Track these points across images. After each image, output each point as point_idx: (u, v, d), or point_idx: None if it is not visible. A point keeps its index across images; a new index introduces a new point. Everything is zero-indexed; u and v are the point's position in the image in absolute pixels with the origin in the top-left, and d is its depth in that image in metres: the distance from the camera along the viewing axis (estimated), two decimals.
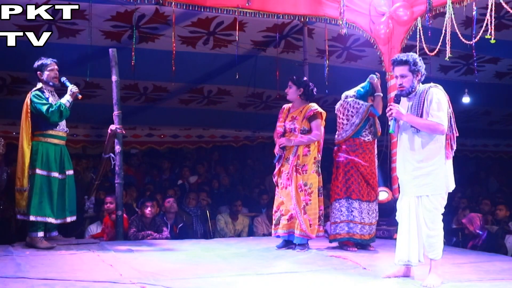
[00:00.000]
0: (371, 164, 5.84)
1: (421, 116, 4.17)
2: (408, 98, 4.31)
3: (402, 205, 4.34)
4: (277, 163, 5.75)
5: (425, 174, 4.16)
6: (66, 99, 5.55)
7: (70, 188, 5.67)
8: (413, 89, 4.26)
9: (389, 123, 4.33)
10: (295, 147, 5.63)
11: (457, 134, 4.26)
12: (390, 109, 4.22)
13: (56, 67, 5.63)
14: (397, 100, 4.30)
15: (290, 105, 5.85)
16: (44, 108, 5.40)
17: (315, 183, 5.64)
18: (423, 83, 4.31)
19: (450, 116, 4.22)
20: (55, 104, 5.46)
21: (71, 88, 5.61)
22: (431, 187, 4.16)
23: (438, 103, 4.13)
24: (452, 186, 4.25)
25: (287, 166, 5.65)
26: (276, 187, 5.81)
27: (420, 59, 4.29)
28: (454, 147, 4.25)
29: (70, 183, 5.69)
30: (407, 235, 4.26)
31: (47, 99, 5.51)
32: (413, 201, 4.24)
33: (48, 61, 5.61)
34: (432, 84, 4.27)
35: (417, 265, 4.32)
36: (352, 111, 5.81)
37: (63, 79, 5.68)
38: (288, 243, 5.70)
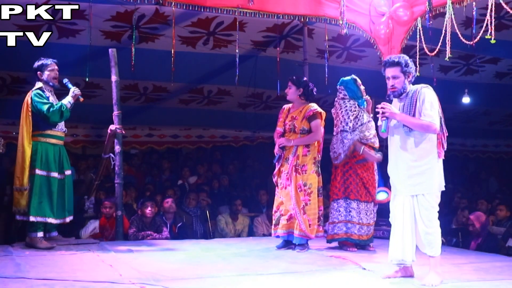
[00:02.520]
0: (370, 168, 5.81)
1: (414, 116, 4.21)
2: (399, 99, 4.36)
3: (395, 205, 4.35)
4: (277, 163, 5.75)
5: (420, 173, 4.19)
6: (68, 100, 5.54)
7: (68, 188, 5.67)
8: (404, 90, 4.30)
9: (380, 122, 4.33)
10: (295, 147, 5.63)
11: (447, 134, 4.32)
12: (382, 108, 4.23)
13: (56, 67, 5.62)
14: (389, 100, 4.32)
15: (290, 105, 5.85)
16: (45, 107, 5.40)
17: (315, 183, 5.63)
18: (419, 83, 4.34)
19: (440, 116, 4.26)
20: (56, 104, 5.46)
21: (73, 90, 5.60)
22: (426, 186, 4.19)
23: (431, 102, 4.19)
24: (443, 184, 4.29)
25: (286, 166, 5.65)
26: (276, 187, 5.80)
27: (411, 60, 4.35)
28: (445, 146, 4.29)
29: (69, 183, 5.69)
30: (400, 234, 4.27)
31: (47, 98, 5.51)
32: (407, 200, 4.24)
33: (49, 61, 5.59)
34: (423, 84, 4.32)
35: (411, 264, 4.32)
36: (341, 122, 5.77)
37: (65, 80, 5.67)
38: (288, 243, 5.70)
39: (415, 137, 4.21)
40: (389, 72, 4.30)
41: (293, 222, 5.59)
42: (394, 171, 4.36)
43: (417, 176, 4.18)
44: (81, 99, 5.64)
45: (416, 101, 4.21)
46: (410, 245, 4.23)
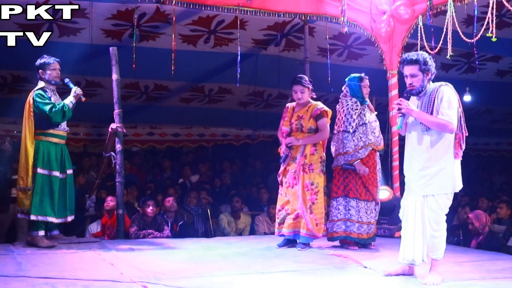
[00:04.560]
0: (370, 167, 5.75)
1: (431, 114, 4.13)
2: (418, 96, 4.27)
3: (407, 203, 4.31)
4: (282, 163, 5.69)
5: (433, 173, 4.12)
6: (70, 100, 5.52)
7: (70, 187, 5.67)
8: (423, 88, 4.21)
9: (397, 120, 4.29)
10: (302, 146, 5.60)
11: (467, 134, 4.23)
12: (399, 104, 4.18)
13: (58, 66, 5.59)
14: (406, 97, 4.26)
15: (294, 104, 5.80)
16: (47, 108, 5.38)
17: (321, 183, 5.63)
18: (432, 81, 4.29)
19: (460, 116, 4.18)
20: (58, 104, 5.45)
21: (75, 90, 5.58)
22: (437, 187, 4.13)
23: (449, 101, 4.09)
24: (459, 186, 4.21)
25: (293, 165, 5.60)
26: (280, 186, 5.76)
27: (430, 58, 4.22)
28: (463, 147, 4.20)
29: (70, 182, 5.69)
30: (412, 234, 4.23)
31: (49, 98, 5.49)
32: (419, 200, 4.20)
33: (51, 60, 5.56)
34: (442, 82, 4.22)
35: (420, 265, 4.31)
36: (344, 122, 5.73)
37: (67, 80, 5.65)
38: (289, 242, 5.68)
39: (432, 135, 4.13)
40: (407, 70, 4.21)
41: (300, 221, 5.57)
42: (408, 170, 4.31)
43: (429, 177, 4.12)
44: (83, 98, 5.63)
45: (434, 99, 4.12)
46: (420, 246, 4.21)
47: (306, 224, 5.53)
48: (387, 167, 6.97)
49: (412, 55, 4.23)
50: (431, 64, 4.21)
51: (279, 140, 5.80)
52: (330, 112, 5.71)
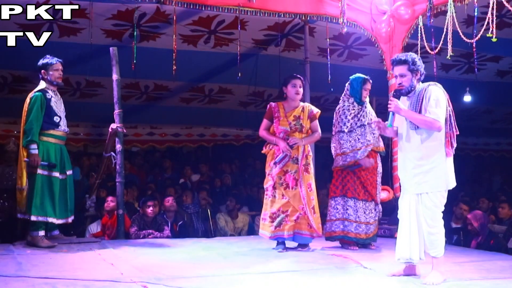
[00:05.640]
0: (371, 169, 5.77)
1: (420, 113, 4.19)
2: (407, 97, 4.34)
3: (403, 203, 4.35)
4: (278, 163, 5.53)
5: (425, 171, 4.17)
6: (32, 149, 5.34)
7: (70, 188, 5.66)
8: (412, 88, 4.28)
9: (388, 118, 4.33)
10: (302, 147, 5.57)
11: (457, 132, 4.27)
12: (389, 103, 4.25)
13: (61, 67, 5.58)
14: (396, 95, 4.32)
15: (281, 103, 5.66)
16: (29, 120, 5.32)
17: (314, 182, 5.66)
18: (423, 82, 4.32)
19: (450, 114, 4.24)
20: (33, 135, 5.32)
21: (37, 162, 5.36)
22: (430, 185, 4.17)
23: (436, 100, 4.16)
24: (452, 183, 4.25)
25: (293, 166, 5.52)
26: (272, 189, 5.55)
27: (419, 59, 4.32)
28: (454, 145, 4.26)
29: (70, 183, 5.68)
30: (407, 233, 4.27)
31: (49, 100, 5.46)
32: (413, 199, 4.25)
33: (54, 60, 5.54)
34: (431, 82, 4.29)
35: (418, 263, 4.32)
36: (339, 122, 5.75)
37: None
38: (285, 244, 5.64)
39: (421, 134, 4.20)
40: (397, 70, 4.30)
41: (300, 222, 5.51)
42: (401, 169, 4.37)
43: (422, 175, 4.17)
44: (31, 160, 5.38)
45: (422, 99, 4.19)
46: (417, 244, 4.24)
47: (311, 224, 5.51)
48: (387, 167, 6.97)
49: (401, 55, 4.34)
50: (420, 64, 4.30)
51: (270, 140, 5.59)
52: (319, 112, 5.72)
